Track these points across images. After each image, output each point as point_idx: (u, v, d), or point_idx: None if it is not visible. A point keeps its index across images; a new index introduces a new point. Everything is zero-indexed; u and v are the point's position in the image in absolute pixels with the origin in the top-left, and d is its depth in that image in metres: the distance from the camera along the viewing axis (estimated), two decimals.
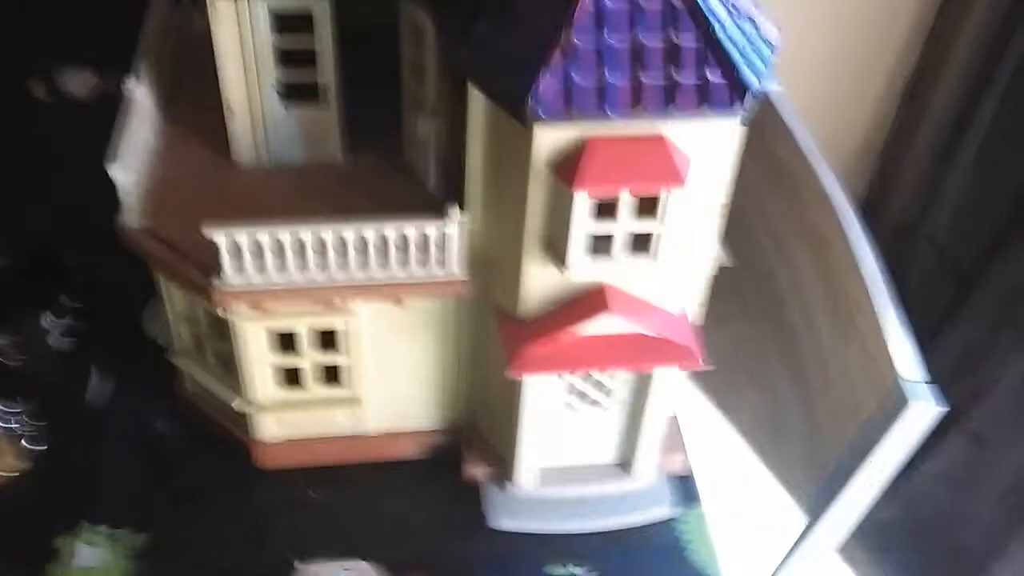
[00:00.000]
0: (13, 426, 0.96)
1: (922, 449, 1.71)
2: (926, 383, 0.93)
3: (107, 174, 0.80)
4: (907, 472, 1.72)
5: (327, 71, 0.85)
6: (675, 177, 0.70)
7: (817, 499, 1.01)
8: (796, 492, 1.15)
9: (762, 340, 1.36)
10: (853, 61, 2.08)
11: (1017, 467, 1.63)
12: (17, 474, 0.93)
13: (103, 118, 0.88)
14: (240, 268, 0.78)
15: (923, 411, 0.92)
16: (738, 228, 1.34)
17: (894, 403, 0.94)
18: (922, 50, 2.05)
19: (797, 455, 1.16)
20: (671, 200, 0.72)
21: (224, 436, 0.95)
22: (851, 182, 2.30)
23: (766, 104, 1.26)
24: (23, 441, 0.95)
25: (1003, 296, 1.70)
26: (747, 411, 1.93)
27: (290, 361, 0.87)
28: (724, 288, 1.02)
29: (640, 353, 0.80)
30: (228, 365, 0.89)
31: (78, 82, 1.33)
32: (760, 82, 0.69)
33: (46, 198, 1.14)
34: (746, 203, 1.35)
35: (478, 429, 0.97)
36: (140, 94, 0.85)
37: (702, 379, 2.01)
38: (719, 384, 2.00)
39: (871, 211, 2.28)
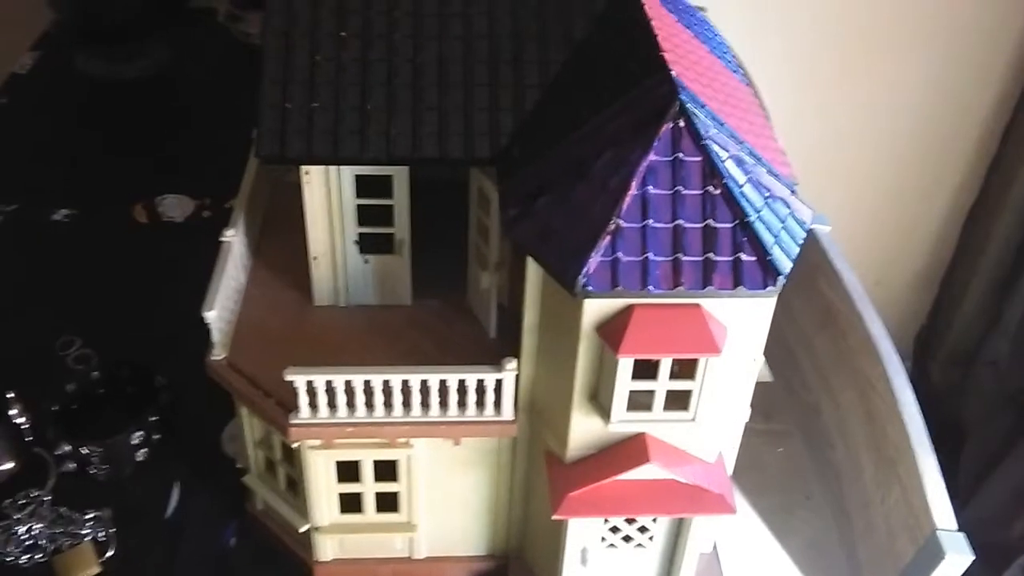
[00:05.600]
0: (87, 532, 1.03)
1: None
2: (960, 533, 0.96)
3: (200, 296, 0.89)
4: None
5: (402, 226, 0.94)
6: (711, 347, 0.76)
7: None
8: None
9: (809, 472, 1.38)
10: (916, 189, 2.12)
11: None
12: None
13: (199, 239, 0.98)
14: (314, 407, 0.87)
15: (959, 562, 0.94)
16: (784, 358, 1.38)
17: (932, 554, 0.96)
18: (985, 177, 2.08)
19: None
20: (709, 364, 0.78)
21: (287, 554, 1.02)
22: (912, 307, 2.30)
23: (815, 245, 1.31)
24: (98, 547, 1.02)
25: None
26: (794, 537, 1.93)
27: (352, 489, 0.94)
28: (778, 410, 1.04)
29: (677, 501, 0.85)
30: (296, 489, 0.96)
31: (177, 207, 1.45)
32: (792, 262, 0.76)
33: (143, 318, 1.24)
34: (793, 339, 1.39)
35: (523, 558, 1.02)
36: (236, 244, 0.96)
37: (756, 502, 2.02)
38: (770, 508, 2.01)
39: (932, 337, 2.27)
